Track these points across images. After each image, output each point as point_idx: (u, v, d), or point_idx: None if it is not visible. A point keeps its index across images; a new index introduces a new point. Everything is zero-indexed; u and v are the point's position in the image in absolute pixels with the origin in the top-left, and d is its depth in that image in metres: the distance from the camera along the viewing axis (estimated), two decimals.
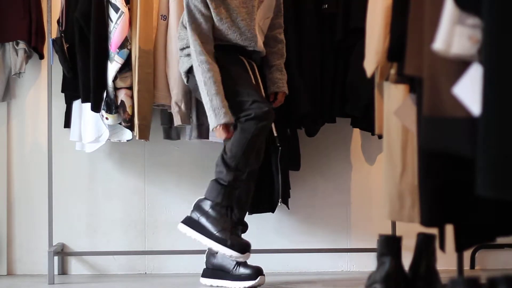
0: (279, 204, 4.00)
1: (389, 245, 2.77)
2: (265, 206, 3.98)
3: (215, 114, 3.49)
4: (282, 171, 3.93)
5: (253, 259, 3.91)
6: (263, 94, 3.72)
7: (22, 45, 4.07)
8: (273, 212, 4.01)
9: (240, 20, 3.63)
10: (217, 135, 3.56)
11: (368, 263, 4.18)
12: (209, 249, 3.69)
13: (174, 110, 3.90)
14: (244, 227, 3.68)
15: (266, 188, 3.95)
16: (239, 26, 3.64)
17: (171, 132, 4.15)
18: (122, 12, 3.87)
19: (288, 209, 4.08)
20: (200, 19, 3.58)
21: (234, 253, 3.50)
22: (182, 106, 3.90)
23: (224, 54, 3.64)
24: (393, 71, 2.57)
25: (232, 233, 3.55)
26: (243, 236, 3.65)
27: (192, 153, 4.20)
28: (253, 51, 3.72)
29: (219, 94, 3.50)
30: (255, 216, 4.07)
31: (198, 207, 3.61)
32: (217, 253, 3.63)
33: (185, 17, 3.63)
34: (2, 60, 4.12)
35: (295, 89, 3.88)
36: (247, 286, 3.57)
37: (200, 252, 3.83)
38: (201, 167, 4.16)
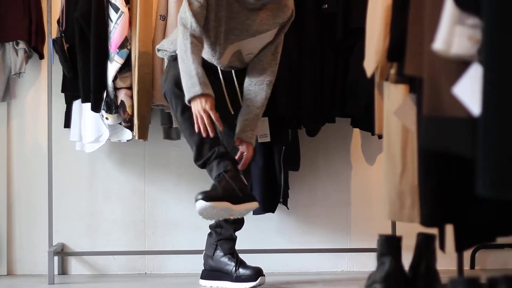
0: (279, 204, 4.01)
1: (389, 245, 2.77)
2: (267, 206, 3.98)
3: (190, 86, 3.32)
4: (285, 172, 3.94)
5: (254, 259, 3.92)
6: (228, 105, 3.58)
7: (22, 45, 4.07)
8: (273, 212, 4.02)
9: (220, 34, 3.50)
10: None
11: (368, 263, 4.18)
12: (206, 251, 3.69)
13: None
14: (239, 225, 3.66)
15: (268, 188, 3.95)
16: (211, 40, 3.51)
17: (171, 132, 4.15)
18: (122, 12, 3.87)
19: (288, 209, 4.08)
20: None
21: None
22: None
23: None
24: (393, 71, 2.57)
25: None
26: (240, 234, 3.64)
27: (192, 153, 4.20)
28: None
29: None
30: (256, 216, 4.07)
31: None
32: (213, 254, 3.63)
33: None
34: (2, 60, 4.12)
35: (276, 89, 3.85)
36: (248, 287, 3.56)
37: (200, 252, 3.83)
38: None
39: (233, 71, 3.64)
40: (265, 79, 3.55)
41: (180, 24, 3.42)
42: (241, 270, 3.58)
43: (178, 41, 3.43)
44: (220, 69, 3.60)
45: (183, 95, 3.34)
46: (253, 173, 3.91)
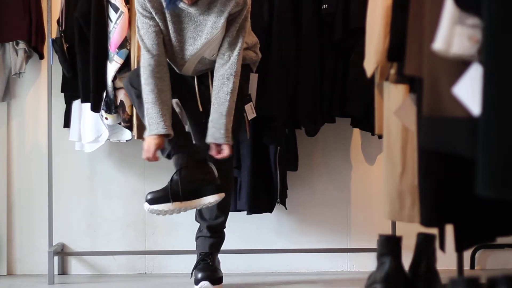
0: (277, 204, 4.01)
1: (389, 245, 2.77)
2: (263, 206, 3.98)
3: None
4: (280, 171, 3.94)
5: (254, 259, 3.93)
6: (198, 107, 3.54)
7: (22, 45, 4.07)
8: (271, 212, 4.01)
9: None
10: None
11: (368, 263, 4.18)
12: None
13: (176, 110, 3.90)
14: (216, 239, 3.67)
15: (265, 188, 3.95)
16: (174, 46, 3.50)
17: None
18: (122, 12, 3.87)
19: (286, 209, 4.08)
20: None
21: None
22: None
23: None
24: (393, 71, 2.57)
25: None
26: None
27: None
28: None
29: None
30: (255, 216, 4.07)
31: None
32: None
33: None
34: (2, 60, 4.12)
35: (269, 91, 3.86)
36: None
37: None
38: None
39: (208, 73, 3.59)
40: (224, 73, 3.44)
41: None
42: (196, 272, 3.59)
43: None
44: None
45: (136, 89, 3.45)
46: (247, 173, 3.92)
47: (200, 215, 3.66)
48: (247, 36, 3.53)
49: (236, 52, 3.45)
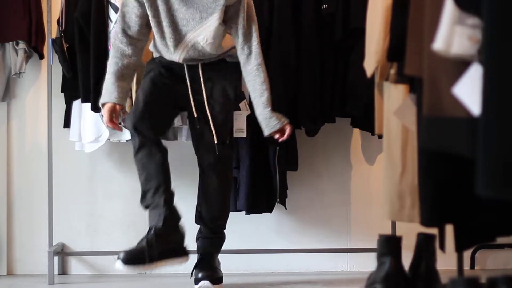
0: (277, 204, 4.01)
1: (389, 245, 2.77)
2: (263, 206, 3.99)
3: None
4: (280, 171, 3.94)
5: (254, 259, 3.93)
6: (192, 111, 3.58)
7: (22, 45, 4.07)
8: (270, 212, 4.01)
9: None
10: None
11: (368, 263, 4.18)
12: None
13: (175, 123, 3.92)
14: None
15: (264, 188, 3.95)
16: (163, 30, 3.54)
17: (167, 133, 4.14)
18: None
19: (286, 209, 4.08)
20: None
21: None
22: None
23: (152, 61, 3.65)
24: (393, 71, 2.57)
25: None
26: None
27: (192, 153, 4.20)
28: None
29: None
30: (255, 216, 4.07)
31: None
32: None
33: None
34: (2, 60, 4.12)
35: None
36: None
37: None
38: None
39: (199, 67, 3.58)
40: (253, 66, 3.52)
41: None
42: (196, 271, 3.61)
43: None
44: (187, 68, 3.57)
45: (137, 137, 3.50)
46: (245, 173, 3.92)
47: (200, 217, 3.66)
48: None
49: (255, 41, 3.51)
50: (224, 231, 3.69)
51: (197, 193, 3.69)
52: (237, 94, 3.65)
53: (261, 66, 3.52)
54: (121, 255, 3.44)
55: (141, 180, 3.53)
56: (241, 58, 3.53)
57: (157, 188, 3.49)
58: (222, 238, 3.69)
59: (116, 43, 3.54)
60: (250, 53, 3.51)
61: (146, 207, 3.55)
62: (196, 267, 3.61)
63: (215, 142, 3.53)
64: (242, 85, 3.73)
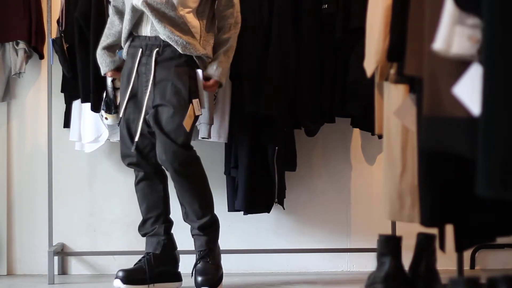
0: (275, 204, 4.00)
1: (389, 245, 2.77)
2: (261, 206, 3.99)
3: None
4: (278, 171, 3.94)
5: (254, 259, 3.93)
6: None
7: (22, 45, 4.07)
8: (268, 212, 4.01)
9: None
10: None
11: (368, 263, 4.18)
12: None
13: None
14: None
15: (262, 188, 3.95)
16: None
17: None
18: None
19: (284, 209, 4.08)
20: None
21: None
22: None
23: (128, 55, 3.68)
24: (393, 71, 2.57)
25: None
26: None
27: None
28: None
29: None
30: (255, 216, 4.07)
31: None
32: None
33: None
34: (2, 60, 4.12)
35: (268, 90, 3.86)
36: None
37: None
38: None
39: (154, 55, 3.55)
40: (225, 27, 3.65)
41: None
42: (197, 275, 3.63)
43: None
44: (140, 54, 3.57)
45: (138, 171, 3.68)
46: (244, 173, 3.92)
47: (186, 216, 3.67)
48: (209, 27, 3.63)
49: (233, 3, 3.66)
50: (215, 219, 3.67)
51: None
52: (191, 91, 3.62)
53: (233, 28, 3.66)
54: (120, 274, 3.61)
55: (142, 209, 3.70)
56: (218, 18, 3.66)
57: (157, 217, 3.68)
58: (216, 230, 3.68)
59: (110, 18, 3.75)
60: (226, 14, 3.65)
61: (144, 234, 3.72)
62: (196, 266, 3.61)
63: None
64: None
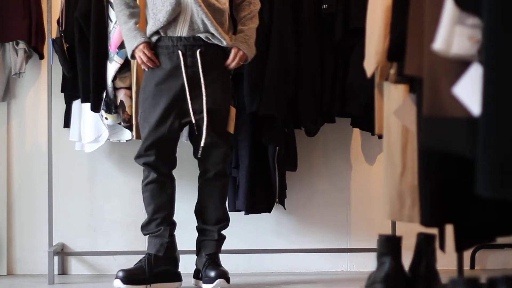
0: (276, 204, 4.01)
1: (389, 245, 2.77)
2: (262, 206, 3.99)
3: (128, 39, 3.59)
4: (279, 171, 3.94)
5: (254, 259, 3.92)
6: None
7: (22, 45, 4.07)
8: (269, 212, 4.02)
9: None
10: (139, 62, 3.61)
11: (368, 263, 4.18)
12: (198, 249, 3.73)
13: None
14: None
15: (263, 188, 3.95)
16: None
17: None
18: None
19: (285, 209, 4.08)
20: None
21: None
22: None
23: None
24: (393, 71, 2.57)
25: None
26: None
27: (192, 153, 4.20)
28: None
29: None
30: (255, 216, 4.07)
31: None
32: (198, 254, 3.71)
33: None
34: (2, 60, 4.12)
35: (268, 90, 3.87)
36: None
37: None
38: None
39: (198, 56, 3.55)
40: (250, 12, 3.68)
41: None
42: (207, 271, 3.62)
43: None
44: (182, 56, 3.55)
45: (152, 173, 3.65)
46: (245, 173, 3.92)
47: (203, 220, 3.69)
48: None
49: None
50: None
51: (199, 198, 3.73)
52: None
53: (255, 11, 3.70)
54: (120, 274, 3.60)
55: (149, 209, 3.68)
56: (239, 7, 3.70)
57: (163, 219, 3.66)
58: (224, 237, 3.74)
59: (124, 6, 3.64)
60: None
61: (147, 234, 3.71)
62: (206, 267, 3.63)
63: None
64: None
